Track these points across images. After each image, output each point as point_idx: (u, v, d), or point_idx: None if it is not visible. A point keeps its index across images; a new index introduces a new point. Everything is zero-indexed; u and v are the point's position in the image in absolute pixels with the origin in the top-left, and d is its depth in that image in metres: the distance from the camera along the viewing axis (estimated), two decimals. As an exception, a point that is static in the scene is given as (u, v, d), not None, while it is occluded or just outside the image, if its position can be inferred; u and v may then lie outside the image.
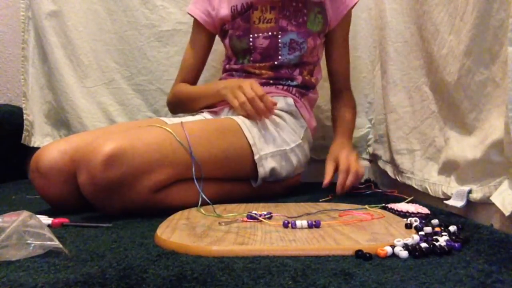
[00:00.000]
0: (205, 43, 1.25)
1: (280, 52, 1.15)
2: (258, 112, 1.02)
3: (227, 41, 1.20)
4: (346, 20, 1.21)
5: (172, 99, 1.25)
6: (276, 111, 1.09)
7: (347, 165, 1.04)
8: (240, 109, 1.02)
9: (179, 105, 1.24)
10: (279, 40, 1.15)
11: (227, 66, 1.23)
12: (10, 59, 1.64)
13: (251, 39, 1.15)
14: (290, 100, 1.13)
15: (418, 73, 0.98)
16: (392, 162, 1.12)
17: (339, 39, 1.23)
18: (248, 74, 1.17)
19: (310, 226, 0.66)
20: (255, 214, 0.72)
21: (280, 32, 1.15)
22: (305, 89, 1.19)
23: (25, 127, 1.53)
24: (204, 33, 1.23)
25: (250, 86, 1.03)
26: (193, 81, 1.26)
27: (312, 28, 1.16)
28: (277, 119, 1.08)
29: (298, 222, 0.66)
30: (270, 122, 1.05)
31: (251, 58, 1.17)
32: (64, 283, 0.45)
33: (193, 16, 1.22)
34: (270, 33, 1.15)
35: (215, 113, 1.16)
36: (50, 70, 1.50)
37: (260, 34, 1.15)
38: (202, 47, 1.25)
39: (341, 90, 1.27)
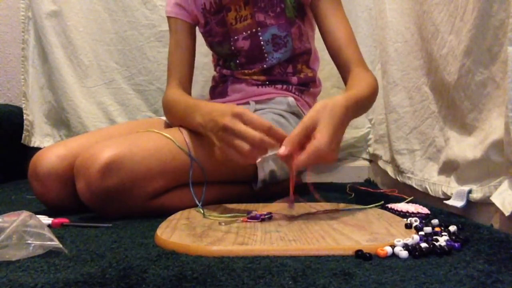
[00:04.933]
0: (189, 37, 1.11)
1: (265, 52, 1.07)
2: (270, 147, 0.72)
3: (208, 45, 1.15)
4: None
5: (164, 109, 1.06)
6: (279, 111, 1.06)
7: (310, 128, 0.67)
8: (249, 161, 0.73)
9: (172, 121, 1.05)
10: (260, 38, 1.06)
11: (217, 68, 1.18)
12: (10, 59, 1.64)
13: (231, 43, 1.08)
14: (292, 100, 1.08)
15: (418, 73, 0.98)
16: (393, 162, 1.12)
17: (325, 9, 1.01)
18: (242, 80, 1.11)
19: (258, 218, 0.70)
20: (255, 213, 0.72)
21: (259, 29, 1.05)
22: (305, 85, 1.12)
23: (25, 127, 1.53)
24: (185, 26, 1.09)
25: (241, 120, 0.72)
26: (189, 78, 1.12)
27: (292, 16, 1.05)
28: (281, 119, 1.05)
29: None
30: (273, 123, 1.03)
31: (238, 61, 1.10)
32: (64, 283, 0.45)
33: (170, 17, 1.10)
34: (249, 32, 1.06)
35: None
36: (50, 70, 1.50)
37: (240, 35, 1.07)
38: (187, 43, 1.10)
39: (349, 67, 0.95)
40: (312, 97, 1.15)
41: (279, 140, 0.69)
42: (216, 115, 0.76)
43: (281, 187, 1.09)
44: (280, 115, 1.06)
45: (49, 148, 0.90)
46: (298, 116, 1.10)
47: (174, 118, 1.00)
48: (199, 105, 0.88)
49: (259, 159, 0.75)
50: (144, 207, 0.82)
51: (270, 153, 0.91)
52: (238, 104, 1.10)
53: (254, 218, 0.71)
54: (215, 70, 1.21)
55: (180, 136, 0.87)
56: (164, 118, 1.11)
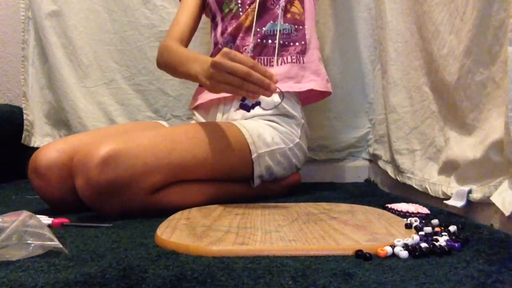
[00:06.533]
0: (196, 7, 1.19)
1: None
2: (264, 87, 0.79)
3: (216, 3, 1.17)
4: None
5: (159, 57, 1.12)
6: (269, 117, 1.06)
7: None
8: (242, 93, 0.82)
9: (164, 65, 1.11)
10: None
11: (214, 39, 1.20)
12: (10, 59, 1.64)
13: None
14: (277, 100, 1.04)
15: (418, 73, 0.98)
16: (393, 162, 1.12)
17: None
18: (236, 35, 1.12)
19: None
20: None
21: None
22: (302, 44, 1.13)
23: (25, 127, 1.52)
24: None
25: (228, 57, 0.80)
26: (187, 40, 1.17)
27: None
28: (273, 124, 1.06)
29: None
30: (267, 125, 1.04)
31: (239, 1, 1.12)
32: (64, 283, 0.45)
33: None
34: None
35: (205, 111, 1.16)
36: (50, 70, 1.50)
37: None
38: (194, 10, 1.18)
39: None
40: (312, 66, 1.15)
41: (263, 74, 0.79)
42: (209, 58, 0.88)
43: (282, 186, 1.09)
44: (271, 120, 1.06)
45: (49, 144, 0.91)
46: (289, 116, 1.09)
47: (168, 63, 1.07)
48: (197, 56, 0.98)
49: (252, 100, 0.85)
50: (143, 203, 0.82)
51: (270, 148, 0.92)
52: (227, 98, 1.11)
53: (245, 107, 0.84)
54: (214, 47, 1.21)
55: (177, 132, 0.91)
56: (162, 122, 1.12)
